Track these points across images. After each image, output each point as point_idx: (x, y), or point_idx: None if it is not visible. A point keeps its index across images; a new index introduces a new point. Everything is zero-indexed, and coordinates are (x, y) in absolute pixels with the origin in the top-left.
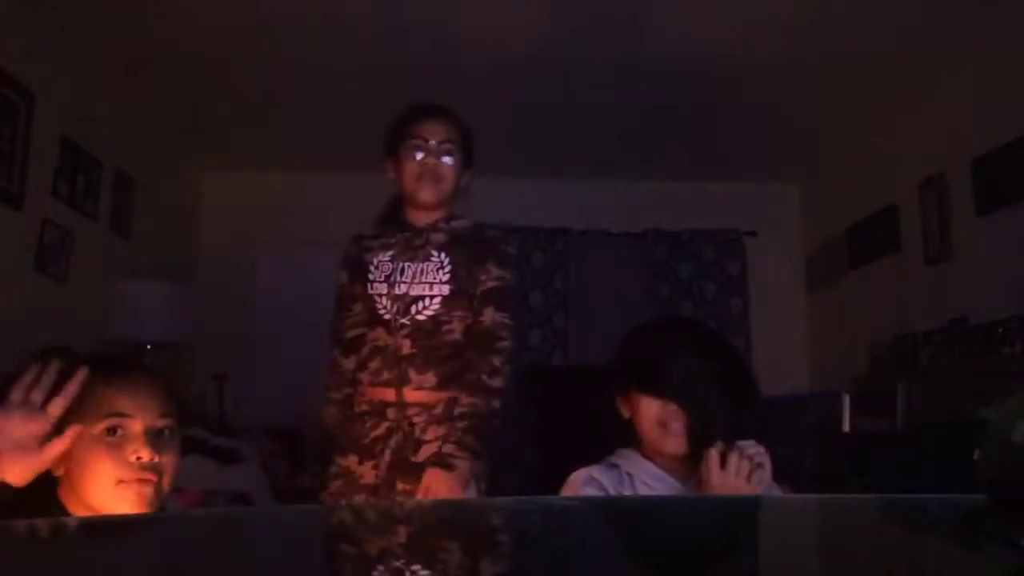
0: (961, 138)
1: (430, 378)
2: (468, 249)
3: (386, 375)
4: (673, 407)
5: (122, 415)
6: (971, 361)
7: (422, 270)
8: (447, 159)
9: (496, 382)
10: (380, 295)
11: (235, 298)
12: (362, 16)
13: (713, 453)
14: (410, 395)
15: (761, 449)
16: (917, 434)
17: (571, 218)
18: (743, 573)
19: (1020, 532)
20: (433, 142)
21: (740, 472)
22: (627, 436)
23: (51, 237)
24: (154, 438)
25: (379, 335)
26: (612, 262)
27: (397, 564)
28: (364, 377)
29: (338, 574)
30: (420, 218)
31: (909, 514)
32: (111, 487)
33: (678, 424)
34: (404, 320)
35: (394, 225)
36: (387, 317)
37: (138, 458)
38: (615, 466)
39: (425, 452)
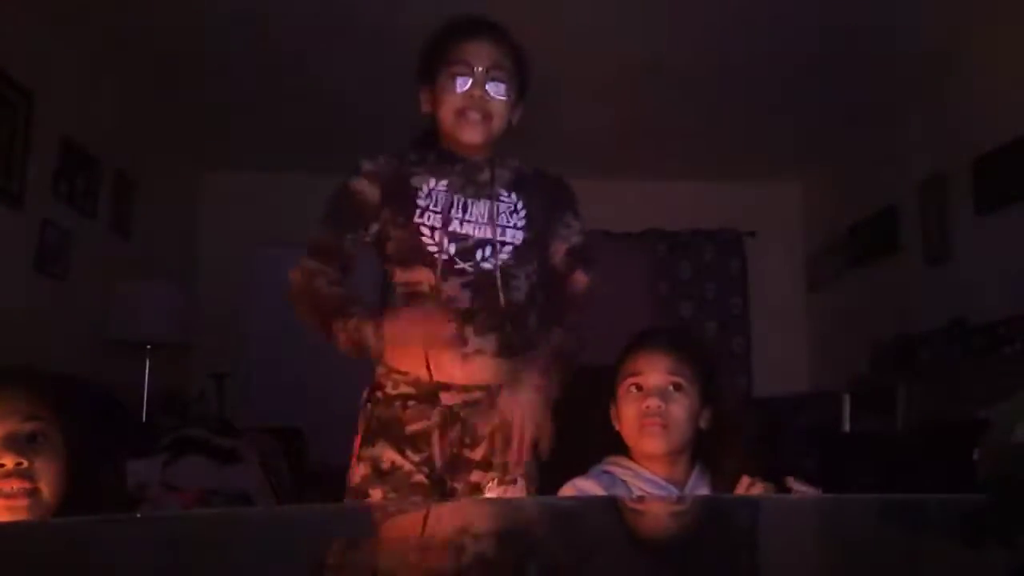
0: (961, 138)
1: (490, 343)
2: (539, 191)
3: None
4: (652, 401)
5: None
6: (971, 361)
7: (492, 211)
8: (497, 90)
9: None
10: (432, 228)
11: (235, 298)
12: (363, 16)
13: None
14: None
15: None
16: (917, 434)
17: None
18: (743, 573)
19: (1020, 532)
20: (479, 68)
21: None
22: (620, 443)
23: (51, 237)
24: (20, 443)
25: (423, 276)
26: (612, 262)
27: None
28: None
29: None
30: (467, 154)
31: (909, 514)
32: None
33: (655, 424)
34: (466, 266)
35: (438, 155)
36: (439, 257)
37: (1, 465)
38: (607, 474)
39: (482, 449)
